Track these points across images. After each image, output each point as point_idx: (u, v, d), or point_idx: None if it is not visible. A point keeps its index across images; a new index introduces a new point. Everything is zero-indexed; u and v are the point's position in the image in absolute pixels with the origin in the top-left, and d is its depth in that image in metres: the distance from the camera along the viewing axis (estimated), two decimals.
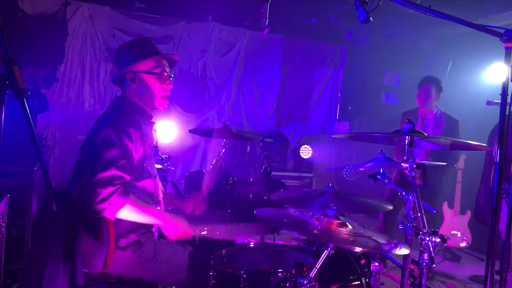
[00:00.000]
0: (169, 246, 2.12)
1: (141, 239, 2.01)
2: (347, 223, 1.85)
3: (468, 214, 4.43)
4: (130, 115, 2.03)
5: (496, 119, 1.95)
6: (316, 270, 1.78)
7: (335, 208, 1.86)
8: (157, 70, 2.07)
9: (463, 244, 4.43)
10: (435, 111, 4.15)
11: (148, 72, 2.05)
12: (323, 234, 1.72)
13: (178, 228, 2.01)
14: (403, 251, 1.69)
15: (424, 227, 1.66)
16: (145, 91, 2.07)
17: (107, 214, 1.81)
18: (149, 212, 1.94)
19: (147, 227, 2.12)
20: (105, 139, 1.87)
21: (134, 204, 1.88)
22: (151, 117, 2.15)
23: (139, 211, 1.90)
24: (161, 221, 1.98)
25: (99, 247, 1.82)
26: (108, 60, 5.30)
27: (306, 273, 1.79)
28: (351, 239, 1.71)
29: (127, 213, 1.86)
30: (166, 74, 2.08)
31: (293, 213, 1.92)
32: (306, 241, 2.22)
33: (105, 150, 1.84)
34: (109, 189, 1.79)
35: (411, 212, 1.79)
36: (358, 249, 1.95)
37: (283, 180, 3.51)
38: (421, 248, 1.67)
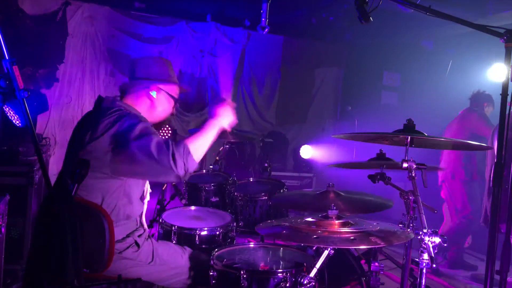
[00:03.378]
0: (167, 247, 2.13)
1: (138, 241, 2.01)
2: (350, 221, 1.84)
3: None
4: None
5: (496, 119, 1.95)
6: (316, 270, 1.78)
7: (335, 208, 1.86)
8: (176, 96, 2.18)
9: None
10: None
11: (170, 94, 2.14)
12: (323, 238, 1.72)
13: (226, 116, 2.06)
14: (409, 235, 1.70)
15: (424, 227, 1.66)
16: (158, 108, 2.13)
17: (190, 166, 1.84)
18: (204, 131, 1.99)
19: (143, 228, 2.12)
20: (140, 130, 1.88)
21: (191, 140, 1.91)
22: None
23: (199, 137, 1.95)
24: (215, 126, 2.02)
25: (100, 248, 1.83)
26: (108, 60, 5.30)
27: (306, 273, 1.79)
28: (352, 237, 1.70)
29: (197, 149, 1.90)
30: (177, 103, 2.22)
31: (293, 221, 1.92)
32: None
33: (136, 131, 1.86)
34: (168, 151, 1.81)
35: (411, 212, 1.79)
36: (361, 247, 1.95)
37: (283, 180, 3.51)
38: (421, 248, 1.67)
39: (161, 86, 2.11)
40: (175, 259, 2.09)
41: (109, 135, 1.86)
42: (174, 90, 2.16)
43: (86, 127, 1.96)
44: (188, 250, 2.20)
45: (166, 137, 4.83)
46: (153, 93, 2.09)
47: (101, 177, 1.91)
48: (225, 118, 2.06)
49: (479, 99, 4.38)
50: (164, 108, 2.15)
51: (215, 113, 2.06)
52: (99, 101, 2.09)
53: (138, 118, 1.96)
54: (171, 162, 1.80)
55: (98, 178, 1.91)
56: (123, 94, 2.13)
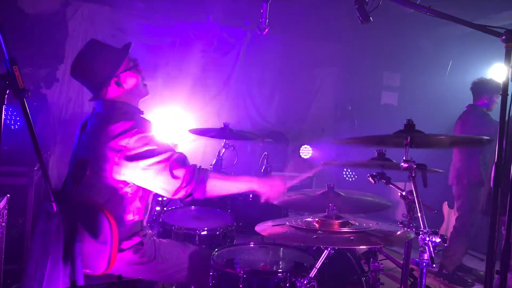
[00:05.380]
0: (169, 245, 2.14)
1: (143, 240, 2.02)
2: (350, 221, 1.84)
3: None
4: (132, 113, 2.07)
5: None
6: (316, 270, 1.78)
7: (335, 208, 1.86)
8: (131, 65, 2.12)
9: None
10: None
11: (126, 70, 2.09)
12: (323, 238, 1.72)
13: (274, 187, 2.10)
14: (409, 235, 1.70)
15: (424, 227, 1.66)
16: (132, 85, 2.11)
17: (197, 193, 1.93)
18: (237, 179, 2.08)
19: (147, 228, 2.13)
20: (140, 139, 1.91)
21: (217, 175, 2.00)
22: (141, 112, 2.17)
23: (227, 179, 2.06)
24: (254, 183, 2.07)
25: (102, 247, 1.83)
26: None
27: (306, 273, 1.79)
28: (352, 237, 1.70)
29: (216, 186, 1.97)
30: (137, 64, 2.14)
31: (293, 221, 1.92)
32: None
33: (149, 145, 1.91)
34: (186, 168, 1.92)
35: (411, 212, 1.79)
36: (361, 247, 1.96)
37: None
38: (421, 248, 1.67)
39: (117, 73, 2.07)
40: (178, 255, 2.11)
41: (123, 144, 1.89)
42: (126, 61, 2.09)
43: (96, 131, 1.98)
44: (190, 245, 2.21)
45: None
46: (117, 83, 2.07)
47: (111, 179, 1.92)
48: (268, 190, 2.09)
49: (477, 91, 4.11)
50: (134, 80, 2.11)
51: (267, 180, 2.11)
52: (98, 104, 2.09)
53: (148, 128, 1.97)
54: (181, 183, 1.90)
55: (107, 180, 1.92)
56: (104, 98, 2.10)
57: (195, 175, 1.93)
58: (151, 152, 1.89)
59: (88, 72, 2.08)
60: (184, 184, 1.91)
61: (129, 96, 2.11)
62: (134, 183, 1.96)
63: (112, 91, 2.07)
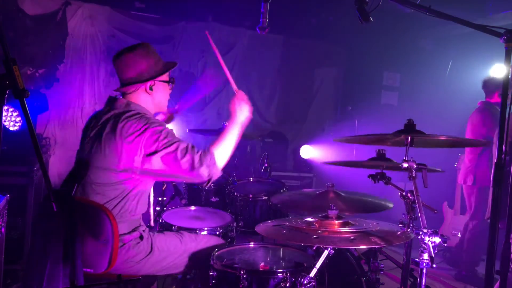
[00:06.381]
0: (163, 236, 2.16)
1: (143, 234, 2.04)
2: (349, 221, 1.84)
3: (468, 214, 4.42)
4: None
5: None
6: (316, 270, 1.78)
7: (335, 208, 1.86)
8: (167, 78, 2.19)
9: None
10: None
11: (164, 80, 2.17)
12: (323, 238, 1.72)
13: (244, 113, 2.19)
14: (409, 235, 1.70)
15: (424, 227, 1.66)
16: (160, 98, 2.17)
17: (214, 174, 1.95)
18: (228, 133, 2.08)
19: (144, 225, 2.14)
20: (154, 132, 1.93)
21: (216, 146, 2.01)
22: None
23: (224, 139, 2.05)
24: (236, 124, 2.13)
25: (104, 246, 1.83)
26: (108, 60, 5.29)
27: (306, 273, 1.79)
28: (352, 237, 1.70)
29: (223, 155, 2.00)
30: (174, 82, 2.23)
31: (293, 221, 1.92)
32: None
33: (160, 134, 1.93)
34: (196, 155, 1.91)
35: (411, 212, 1.79)
36: (361, 247, 1.96)
37: (283, 180, 3.51)
38: (421, 248, 1.67)
39: (155, 79, 2.12)
40: (175, 244, 2.13)
41: (140, 141, 1.90)
42: (165, 75, 2.17)
43: (108, 129, 1.97)
44: (185, 233, 2.23)
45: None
46: (151, 88, 2.11)
47: (114, 178, 1.93)
48: (243, 113, 2.16)
49: (490, 88, 3.98)
50: (163, 94, 2.19)
51: (232, 112, 2.16)
52: (113, 101, 2.09)
53: (161, 123, 2.01)
54: (199, 169, 1.90)
55: (110, 178, 1.93)
56: (124, 95, 2.14)
57: (205, 161, 1.93)
58: (167, 142, 1.92)
59: (137, 62, 2.08)
60: (198, 173, 1.91)
61: (150, 105, 2.14)
62: (152, 177, 1.99)
63: (139, 93, 2.10)
